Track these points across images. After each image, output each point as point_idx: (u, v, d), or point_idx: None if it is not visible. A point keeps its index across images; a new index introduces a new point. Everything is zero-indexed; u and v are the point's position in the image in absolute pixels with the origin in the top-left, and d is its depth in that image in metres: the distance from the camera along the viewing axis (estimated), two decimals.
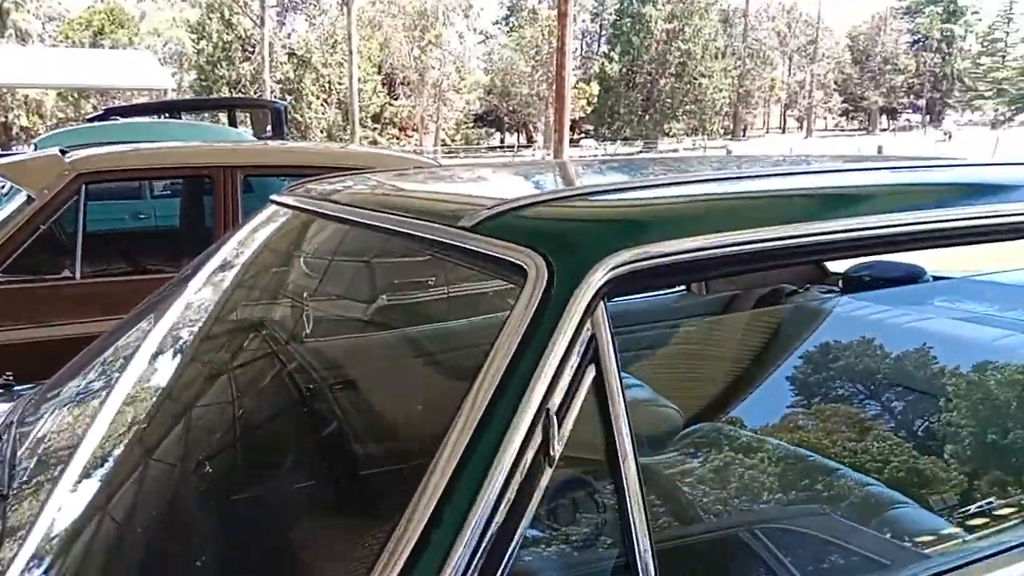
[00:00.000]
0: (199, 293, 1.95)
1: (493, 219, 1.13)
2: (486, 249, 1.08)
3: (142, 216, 6.25)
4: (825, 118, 70.10)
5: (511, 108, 52.55)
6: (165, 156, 3.85)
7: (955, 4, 66.28)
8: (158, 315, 1.91)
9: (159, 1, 45.48)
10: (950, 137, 47.12)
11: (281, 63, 40.82)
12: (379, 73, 45.04)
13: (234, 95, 33.94)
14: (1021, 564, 1.25)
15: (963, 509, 1.51)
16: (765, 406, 1.71)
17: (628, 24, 54.17)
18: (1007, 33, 62.59)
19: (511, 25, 55.53)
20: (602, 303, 0.97)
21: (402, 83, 47.17)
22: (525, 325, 0.94)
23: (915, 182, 1.50)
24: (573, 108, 31.93)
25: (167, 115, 9.27)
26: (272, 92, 36.49)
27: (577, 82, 45.09)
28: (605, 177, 1.82)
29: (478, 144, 51.89)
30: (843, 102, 67.95)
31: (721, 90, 55.47)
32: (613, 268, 0.98)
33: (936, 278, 2.40)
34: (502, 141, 58.60)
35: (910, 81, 67.30)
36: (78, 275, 3.32)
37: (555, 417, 0.89)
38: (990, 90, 60.49)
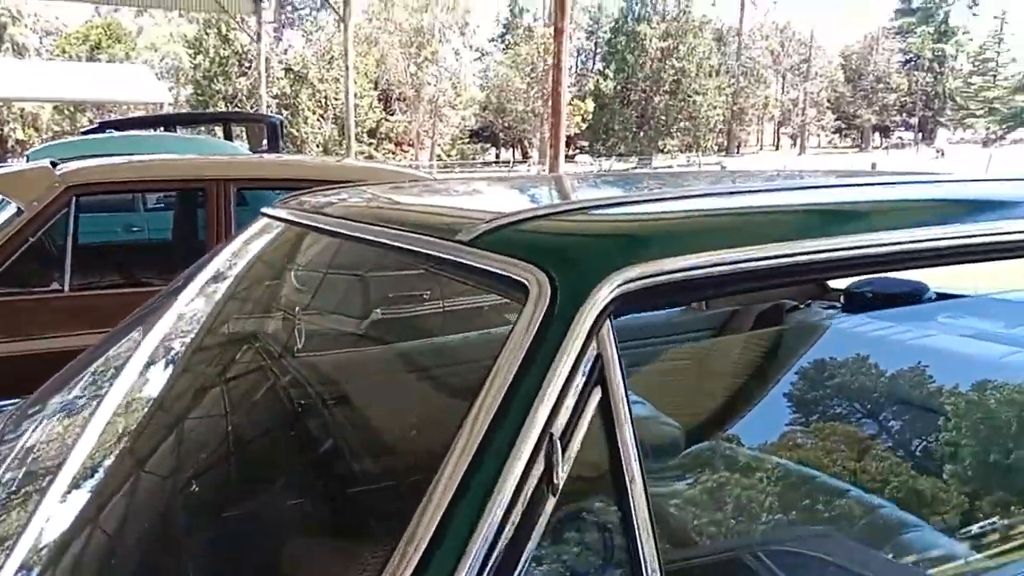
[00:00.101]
0: (186, 307, 1.91)
1: (492, 233, 1.08)
2: (485, 264, 1.03)
3: (135, 229, 6.20)
4: (818, 135, 70.53)
5: (506, 124, 52.73)
6: (157, 169, 3.81)
7: (946, 24, 66.92)
8: (145, 329, 1.88)
9: (156, 16, 45.64)
10: (943, 155, 47.47)
11: (278, 78, 40.88)
12: (375, 89, 45.20)
13: (230, 109, 34.00)
14: None
15: (970, 529, 1.47)
16: (766, 424, 1.67)
17: (623, 42, 54.52)
18: (998, 53, 63.12)
19: (507, 43, 55.87)
20: (608, 321, 0.92)
21: (398, 99, 47.34)
22: (527, 345, 0.89)
23: (931, 197, 1.46)
24: (568, 124, 31.99)
25: (163, 129, 9.25)
26: (268, 107, 36.45)
27: (572, 99, 45.26)
28: (605, 191, 1.78)
29: (473, 159, 52.03)
30: (836, 120, 68.37)
31: (715, 107, 55.78)
32: (620, 285, 0.93)
33: (939, 295, 2.37)
34: (497, 156, 58.75)
35: (902, 100, 67.81)
36: (67, 288, 3.27)
37: (559, 442, 0.84)
38: (982, 109, 60.93)
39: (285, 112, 38.17)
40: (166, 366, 1.77)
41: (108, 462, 1.45)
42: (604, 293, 0.92)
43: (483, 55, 57.21)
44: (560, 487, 0.82)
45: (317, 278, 2.04)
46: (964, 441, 1.66)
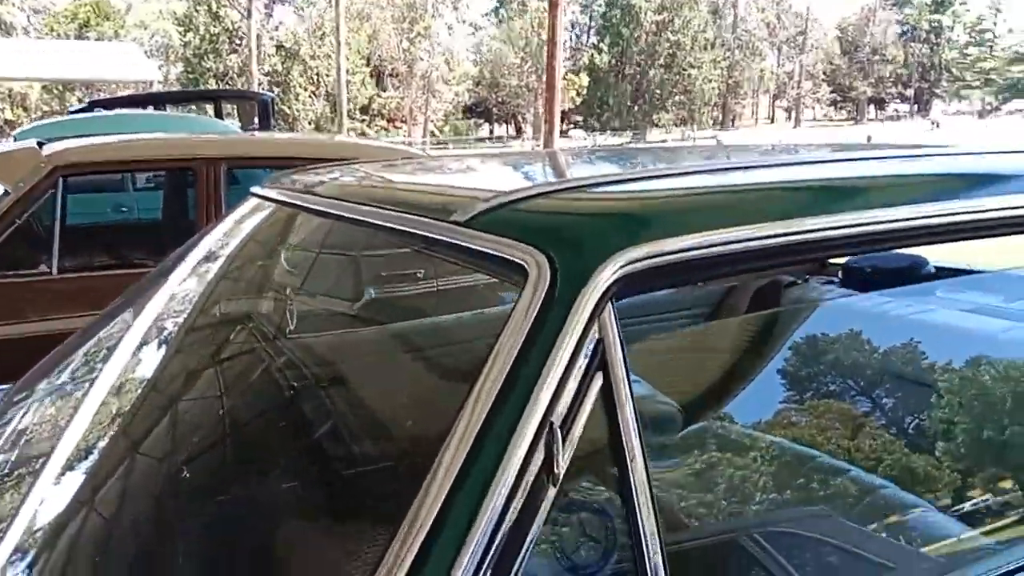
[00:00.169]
0: (176, 289, 1.87)
1: (488, 213, 1.04)
2: (481, 246, 0.99)
3: (124, 209, 6.13)
4: (813, 108, 70.26)
5: (500, 99, 52.45)
6: (145, 148, 3.75)
7: None
8: (135, 311, 1.85)
9: None
10: (938, 126, 47.36)
11: (269, 55, 40.58)
12: (367, 65, 44.84)
13: (221, 87, 33.71)
14: None
15: (974, 507, 1.46)
16: (763, 403, 1.65)
17: (617, 15, 54.14)
18: (995, 23, 62.81)
19: (500, 17, 55.38)
20: (610, 304, 0.88)
21: (390, 75, 46.98)
22: (526, 330, 0.85)
23: (943, 171, 1.42)
24: (562, 99, 31.79)
25: (152, 107, 9.14)
26: (260, 84, 36.27)
27: (566, 73, 44.91)
28: (604, 168, 1.74)
29: (467, 135, 51.76)
30: (831, 92, 68.13)
31: (710, 81, 55.53)
32: (623, 266, 0.89)
33: (938, 268, 2.34)
34: (491, 132, 58.50)
35: (898, 71, 67.54)
36: (55, 270, 3.23)
37: (559, 431, 0.80)
38: (977, 80, 60.68)
39: (276, 89, 37.92)
40: (157, 348, 1.74)
41: (101, 444, 1.43)
42: (606, 275, 0.88)
43: (476, 29, 56.83)
44: (561, 477, 0.79)
45: (308, 259, 2.00)
46: (969, 418, 1.64)
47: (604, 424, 0.86)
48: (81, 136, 4.03)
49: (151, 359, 1.71)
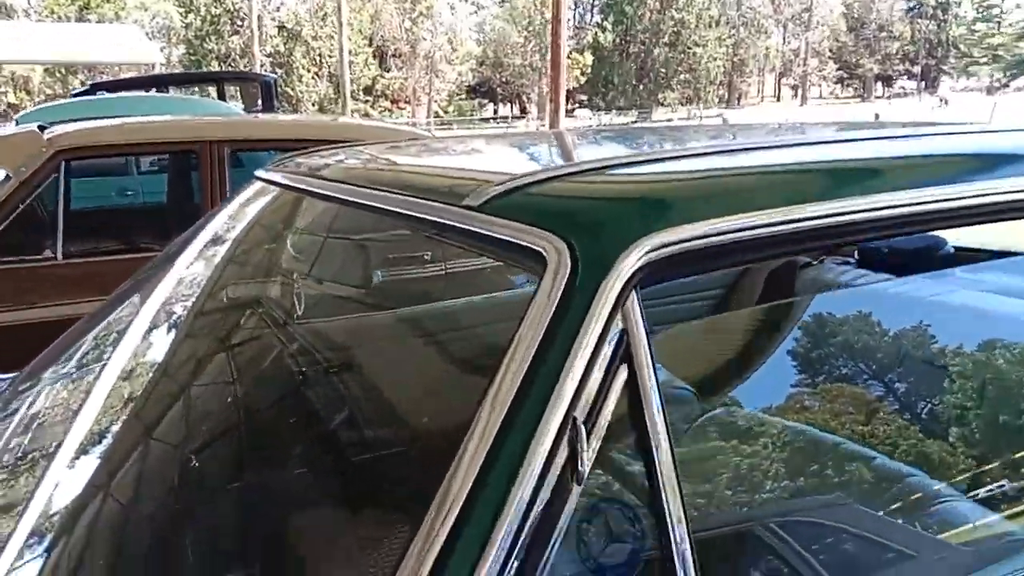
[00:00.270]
0: (181, 275, 1.84)
1: (503, 197, 0.99)
2: (497, 232, 0.94)
3: (128, 193, 6.09)
4: (820, 86, 69.72)
5: (504, 79, 52.14)
6: (148, 130, 3.70)
7: None
8: (141, 297, 1.83)
9: None
10: (946, 103, 46.97)
11: (271, 36, 40.37)
12: (370, 45, 44.61)
13: (223, 69, 33.57)
14: None
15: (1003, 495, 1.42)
16: (777, 387, 1.60)
17: None
18: None
19: None
20: (634, 293, 0.84)
21: (393, 55, 46.73)
22: (546, 322, 0.81)
23: (980, 151, 1.36)
24: (567, 78, 31.56)
25: (155, 90, 9.08)
26: (262, 66, 36.09)
27: (570, 52, 44.57)
28: (619, 149, 1.68)
29: (471, 115, 51.53)
30: (838, 70, 67.56)
31: (715, 59, 55.10)
32: (648, 252, 0.84)
33: (956, 249, 2.29)
34: (495, 112, 58.20)
35: (905, 48, 66.92)
36: (59, 255, 3.21)
37: (583, 427, 0.76)
38: (985, 56, 60.07)
39: (279, 71, 37.75)
40: (167, 332, 1.72)
41: (114, 429, 1.42)
42: (631, 262, 0.84)
43: (479, 8, 56.42)
44: (585, 475, 0.76)
45: (316, 244, 1.96)
46: (996, 405, 1.60)
47: (629, 419, 0.82)
48: (84, 119, 3.99)
49: (161, 344, 1.69)
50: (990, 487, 1.43)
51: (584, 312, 0.81)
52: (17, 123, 7.07)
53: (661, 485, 0.81)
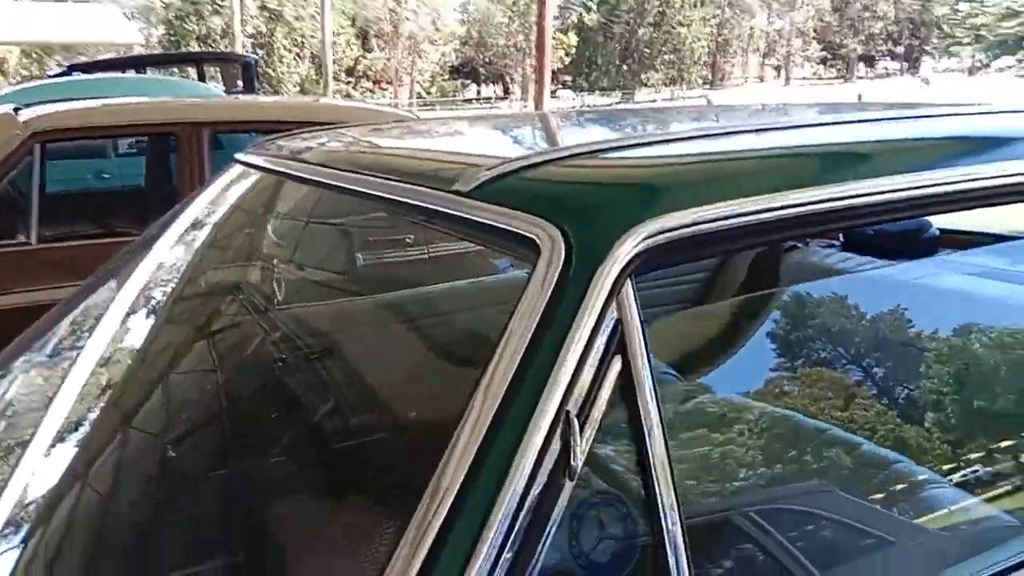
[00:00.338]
0: (159, 260, 1.81)
1: (494, 182, 0.96)
2: (488, 219, 0.91)
3: (105, 176, 6.01)
4: (803, 66, 69.77)
5: (487, 59, 51.87)
6: (125, 113, 3.64)
7: None
8: (118, 282, 1.79)
9: None
10: (928, 83, 47.16)
11: (252, 17, 39.83)
12: (353, 26, 44.23)
13: (203, 49, 33.18)
14: None
15: (989, 480, 1.42)
16: (761, 372, 1.59)
17: None
18: None
19: None
20: (629, 281, 0.81)
21: (376, 35, 46.35)
22: (540, 311, 0.78)
23: (981, 132, 1.35)
24: (551, 59, 31.32)
25: (134, 71, 8.95)
26: (243, 46, 35.66)
27: (555, 32, 44.38)
28: (610, 132, 1.65)
29: (454, 96, 51.24)
30: (821, 50, 67.61)
31: (700, 39, 55.03)
32: (644, 239, 0.82)
33: (941, 231, 2.29)
34: (478, 93, 57.89)
35: (888, 28, 67.02)
36: (34, 240, 3.15)
37: (576, 421, 0.74)
38: (968, 36, 60.26)
39: (260, 51, 37.33)
40: (144, 318, 1.69)
41: (91, 416, 1.40)
42: (626, 249, 0.81)
43: None
44: (578, 469, 0.74)
45: (298, 230, 1.93)
46: (984, 387, 1.60)
47: (623, 412, 0.80)
48: (60, 101, 3.92)
49: (139, 330, 1.67)
50: (965, 472, 1.43)
51: (578, 302, 0.79)
52: None
53: (654, 475, 0.79)
